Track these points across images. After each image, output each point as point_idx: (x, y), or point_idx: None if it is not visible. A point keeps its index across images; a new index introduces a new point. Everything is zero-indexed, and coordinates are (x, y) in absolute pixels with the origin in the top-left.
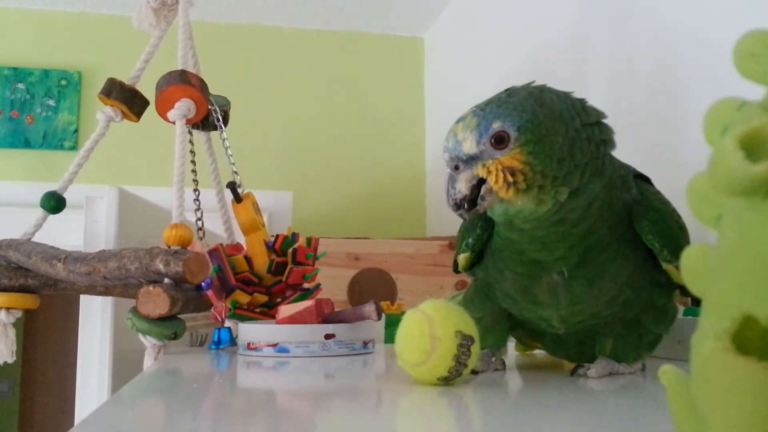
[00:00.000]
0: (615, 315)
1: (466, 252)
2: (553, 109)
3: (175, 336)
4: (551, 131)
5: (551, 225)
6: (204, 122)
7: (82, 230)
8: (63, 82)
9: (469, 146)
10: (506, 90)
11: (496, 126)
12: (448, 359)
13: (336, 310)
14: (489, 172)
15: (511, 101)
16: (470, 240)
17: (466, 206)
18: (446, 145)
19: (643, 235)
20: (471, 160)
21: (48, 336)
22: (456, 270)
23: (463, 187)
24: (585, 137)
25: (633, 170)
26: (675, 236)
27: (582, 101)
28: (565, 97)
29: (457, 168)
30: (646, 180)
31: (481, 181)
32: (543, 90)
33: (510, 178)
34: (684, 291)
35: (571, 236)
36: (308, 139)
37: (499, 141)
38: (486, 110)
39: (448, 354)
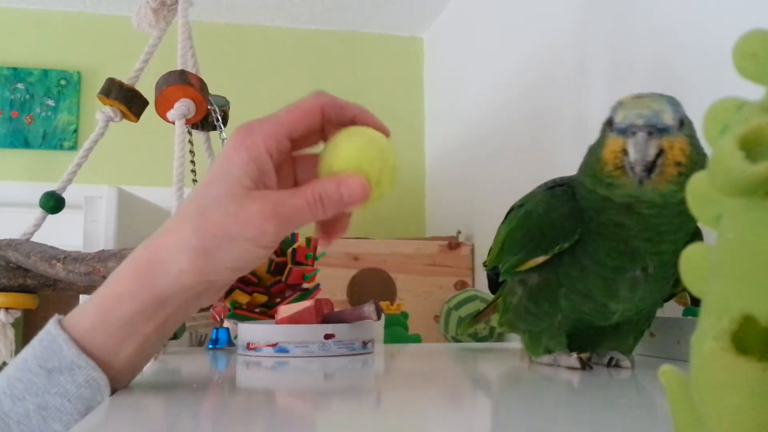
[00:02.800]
0: (649, 310)
1: (550, 255)
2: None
3: (175, 336)
4: (697, 136)
5: (673, 215)
6: (203, 122)
7: (82, 230)
8: (62, 82)
9: (668, 117)
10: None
11: (681, 110)
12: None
13: (335, 310)
14: (672, 147)
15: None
16: (566, 244)
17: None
18: (639, 112)
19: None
20: (662, 131)
21: None
22: (500, 275)
23: (652, 153)
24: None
25: None
26: None
27: None
28: None
29: (650, 134)
30: None
31: (658, 155)
32: None
33: (679, 158)
34: None
35: (682, 229)
36: None
37: (680, 123)
38: (667, 97)
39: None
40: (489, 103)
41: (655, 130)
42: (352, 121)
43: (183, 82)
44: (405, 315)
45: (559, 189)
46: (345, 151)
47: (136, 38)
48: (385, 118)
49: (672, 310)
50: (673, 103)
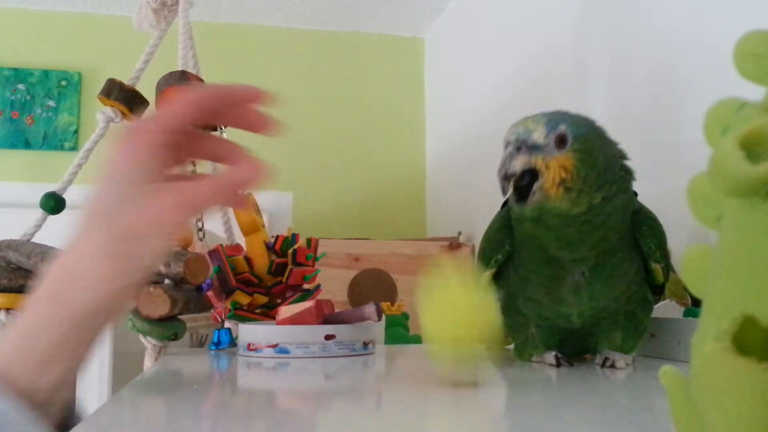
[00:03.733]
0: (619, 308)
1: (494, 268)
2: (603, 135)
3: (176, 337)
4: (597, 148)
5: (579, 224)
6: None
7: None
8: (63, 83)
9: (538, 136)
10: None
11: (562, 128)
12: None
13: (336, 311)
14: (547, 167)
15: (574, 115)
16: (500, 256)
17: (511, 185)
18: (515, 129)
19: (642, 238)
20: (533, 149)
21: None
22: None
23: (518, 167)
24: (618, 164)
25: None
26: (664, 241)
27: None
28: (611, 138)
29: (518, 149)
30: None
31: (533, 175)
32: (594, 122)
33: (563, 176)
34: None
35: (591, 237)
36: (308, 139)
37: (560, 141)
38: (554, 115)
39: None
40: (489, 103)
41: (524, 146)
42: (234, 114)
43: (184, 82)
44: (406, 316)
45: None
46: (431, 323)
47: (137, 39)
48: (385, 119)
49: (672, 310)
50: (558, 121)
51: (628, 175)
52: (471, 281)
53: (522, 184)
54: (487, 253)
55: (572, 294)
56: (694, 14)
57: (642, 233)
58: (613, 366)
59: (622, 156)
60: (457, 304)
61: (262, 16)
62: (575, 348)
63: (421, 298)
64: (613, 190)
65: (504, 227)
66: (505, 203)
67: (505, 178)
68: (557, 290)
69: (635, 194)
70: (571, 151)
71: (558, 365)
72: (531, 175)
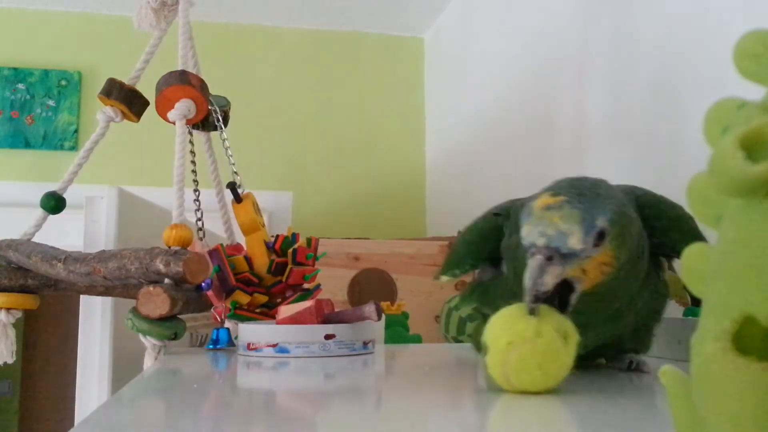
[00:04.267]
0: (636, 325)
1: (452, 278)
2: (624, 201)
3: (176, 336)
4: (628, 223)
5: (598, 299)
6: (204, 122)
7: (82, 230)
8: (63, 83)
9: (576, 241)
10: (576, 178)
11: (600, 223)
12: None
13: (336, 310)
14: (585, 272)
15: (599, 192)
16: (458, 271)
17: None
18: (542, 230)
19: (665, 237)
20: (569, 255)
21: (48, 336)
22: (437, 278)
23: (550, 282)
24: (634, 215)
25: (630, 189)
26: (690, 220)
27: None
28: (606, 182)
29: (550, 258)
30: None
31: (567, 285)
32: (602, 180)
33: (603, 271)
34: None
35: (609, 307)
36: (308, 139)
37: (600, 238)
38: (583, 202)
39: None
40: (489, 103)
41: (558, 255)
42: None
43: (183, 82)
44: (405, 315)
45: (490, 215)
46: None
47: (137, 38)
48: (385, 119)
49: (673, 310)
50: (593, 213)
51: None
52: (560, 325)
53: (554, 298)
54: (452, 259)
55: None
56: (695, 14)
57: (674, 241)
58: (638, 369)
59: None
60: (545, 354)
61: (262, 16)
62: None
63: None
64: (635, 257)
65: (479, 239)
66: (497, 213)
67: (537, 299)
68: None
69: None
70: (609, 243)
71: None
72: (565, 284)
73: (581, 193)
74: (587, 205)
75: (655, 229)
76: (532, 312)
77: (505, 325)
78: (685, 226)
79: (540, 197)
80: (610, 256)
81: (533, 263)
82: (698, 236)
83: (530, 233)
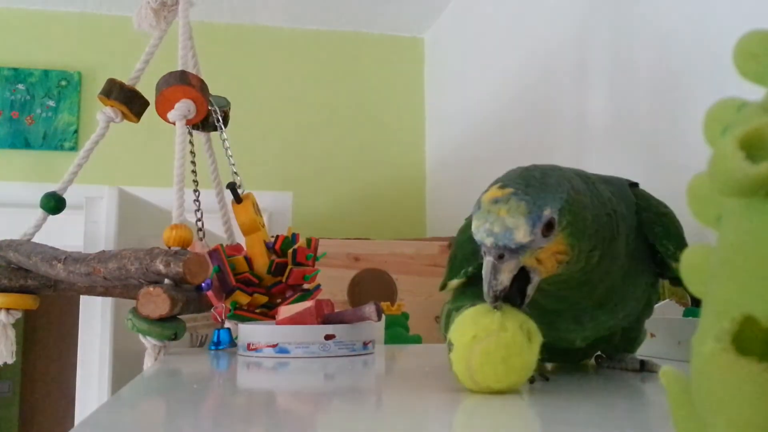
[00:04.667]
0: (625, 321)
1: (462, 278)
2: (578, 186)
3: (176, 337)
4: (581, 208)
5: (578, 285)
6: (204, 123)
7: (82, 231)
8: (63, 83)
9: (523, 235)
10: (526, 168)
11: (547, 213)
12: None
13: (336, 310)
14: (539, 261)
15: (547, 182)
16: (470, 268)
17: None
18: (488, 228)
19: (657, 240)
20: (520, 248)
21: (48, 336)
22: (442, 289)
23: (506, 279)
24: (605, 206)
25: (625, 181)
26: (683, 238)
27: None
28: (562, 169)
29: (501, 257)
30: (635, 185)
31: (524, 275)
32: (555, 168)
33: (558, 259)
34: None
35: (594, 293)
36: (308, 139)
37: (549, 228)
38: (530, 193)
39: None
40: (489, 103)
41: (508, 251)
42: None
43: (183, 82)
44: (405, 315)
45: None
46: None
47: (137, 39)
48: (385, 119)
49: (672, 310)
50: (538, 204)
51: (616, 202)
52: (520, 323)
53: (512, 292)
54: (457, 261)
55: (573, 323)
56: (695, 14)
57: (655, 235)
58: (650, 370)
59: (593, 181)
60: (508, 348)
61: (262, 16)
62: (580, 357)
63: (461, 328)
64: (607, 241)
65: (473, 239)
66: None
67: (496, 298)
68: (556, 320)
69: (636, 184)
70: (561, 232)
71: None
72: (521, 274)
73: (529, 183)
74: (534, 195)
75: (643, 219)
76: (496, 308)
77: (471, 322)
78: (672, 227)
79: (489, 189)
80: (564, 244)
81: (486, 265)
82: (681, 236)
83: (478, 229)
